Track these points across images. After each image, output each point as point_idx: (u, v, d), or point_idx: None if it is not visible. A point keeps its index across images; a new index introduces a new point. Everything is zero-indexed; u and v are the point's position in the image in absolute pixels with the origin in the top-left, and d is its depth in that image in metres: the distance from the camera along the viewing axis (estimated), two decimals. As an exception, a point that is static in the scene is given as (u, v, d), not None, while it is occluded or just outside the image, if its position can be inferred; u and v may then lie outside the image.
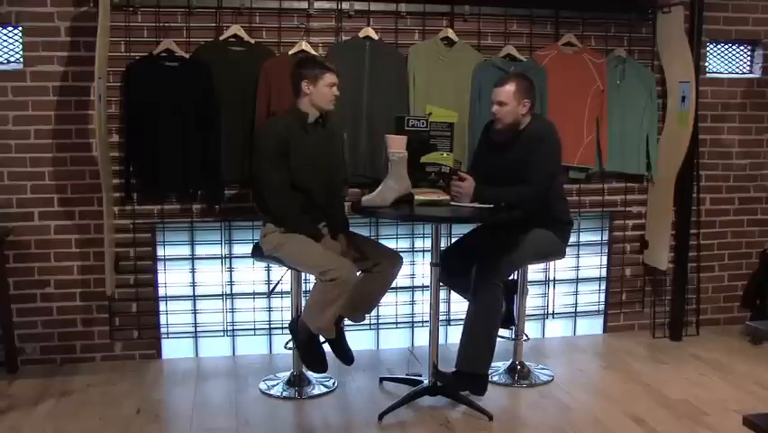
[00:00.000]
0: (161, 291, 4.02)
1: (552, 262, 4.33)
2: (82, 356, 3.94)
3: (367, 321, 3.88)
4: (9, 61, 3.78)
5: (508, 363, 3.83)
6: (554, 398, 3.55)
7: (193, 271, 4.06)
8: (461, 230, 3.96)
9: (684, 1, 4.16)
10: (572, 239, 3.94)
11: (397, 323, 4.30)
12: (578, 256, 4.46)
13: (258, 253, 3.49)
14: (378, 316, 4.21)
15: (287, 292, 3.80)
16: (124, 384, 3.66)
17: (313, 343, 3.37)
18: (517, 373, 3.77)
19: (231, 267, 4.10)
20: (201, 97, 3.73)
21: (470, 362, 3.35)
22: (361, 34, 3.91)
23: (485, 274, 3.35)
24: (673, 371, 3.91)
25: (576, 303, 4.52)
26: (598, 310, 4.55)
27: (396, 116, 3.59)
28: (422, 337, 4.16)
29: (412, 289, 4.29)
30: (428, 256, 3.70)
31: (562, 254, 3.68)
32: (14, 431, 3.12)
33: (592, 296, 4.54)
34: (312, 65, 3.35)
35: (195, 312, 4.08)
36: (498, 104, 3.41)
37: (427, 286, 3.72)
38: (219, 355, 4.12)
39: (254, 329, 4.15)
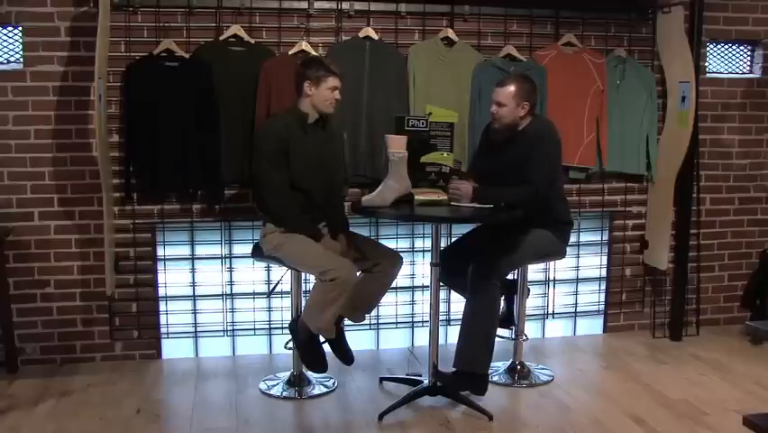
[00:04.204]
0: (161, 291, 4.02)
1: (552, 262, 4.33)
2: (82, 356, 3.94)
3: (367, 321, 3.88)
4: (9, 61, 3.78)
5: (508, 363, 3.83)
6: (554, 398, 3.55)
7: (193, 271, 4.06)
8: (461, 230, 3.96)
9: (684, 1, 4.16)
10: (572, 239, 3.94)
11: (397, 323, 4.30)
12: (578, 256, 4.46)
13: (258, 253, 3.49)
14: (378, 316, 4.21)
15: (287, 292, 3.80)
16: (124, 384, 3.66)
17: (313, 343, 3.37)
18: (517, 373, 3.77)
19: (231, 267, 4.10)
20: (201, 97, 3.73)
21: (468, 362, 3.34)
22: (361, 34, 3.91)
23: (483, 274, 3.35)
24: (673, 371, 3.91)
25: (576, 303, 4.52)
26: (598, 310, 4.55)
27: (396, 116, 3.59)
28: (422, 337, 4.16)
29: (412, 289, 4.29)
30: (428, 256, 3.70)
31: (562, 254, 3.68)
32: (14, 431, 3.12)
33: (592, 296, 4.54)
34: (317, 67, 3.33)
35: (195, 312, 4.08)
36: (496, 104, 3.41)
37: (427, 286, 3.72)
38: (219, 355, 4.12)
39: (254, 329, 4.15)
